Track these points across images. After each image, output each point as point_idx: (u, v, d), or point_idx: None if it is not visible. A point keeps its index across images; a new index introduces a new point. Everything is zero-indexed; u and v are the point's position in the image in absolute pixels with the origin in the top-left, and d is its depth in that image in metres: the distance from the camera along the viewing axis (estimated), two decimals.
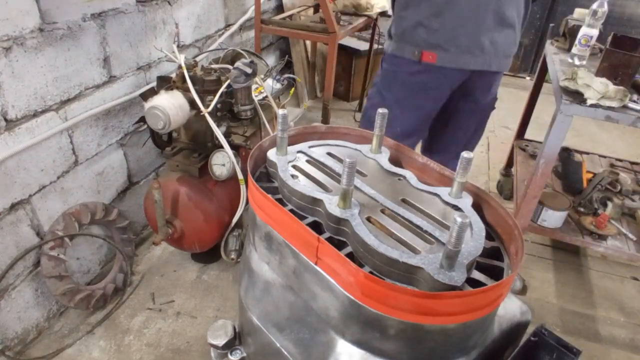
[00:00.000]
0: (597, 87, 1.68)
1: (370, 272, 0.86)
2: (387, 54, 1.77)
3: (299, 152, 1.16)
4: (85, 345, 1.81)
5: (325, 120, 3.02)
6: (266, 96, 2.11)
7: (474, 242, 0.89)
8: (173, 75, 1.86)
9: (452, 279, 0.80)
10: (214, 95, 1.81)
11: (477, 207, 1.04)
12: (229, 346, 1.24)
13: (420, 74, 1.68)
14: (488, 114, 1.88)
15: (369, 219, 0.96)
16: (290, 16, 3.30)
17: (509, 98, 4.44)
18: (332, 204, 0.95)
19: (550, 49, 2.34)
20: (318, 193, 1.00)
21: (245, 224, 2.02)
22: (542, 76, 2.67)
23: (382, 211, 0.99)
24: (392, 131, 1.71)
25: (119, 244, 2.06)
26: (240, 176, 1.88)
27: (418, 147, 2.12)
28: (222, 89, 1.82)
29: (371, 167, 1.15)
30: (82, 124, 1.84)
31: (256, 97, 1.99)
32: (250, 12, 3.06)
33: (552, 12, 4.67)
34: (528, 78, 4.94)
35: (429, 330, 0.84)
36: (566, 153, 2.47)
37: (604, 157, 2.69)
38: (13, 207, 1.62)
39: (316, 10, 3.60)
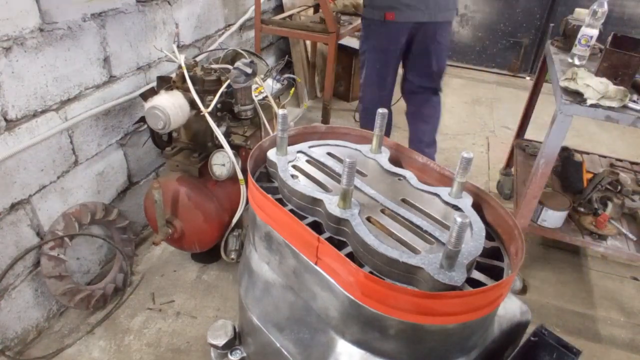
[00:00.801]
0: (597, 87, 1.68)
1: (370, 272, 0.86)
2: (363, 17, 2.45)
3: (299, 152, 1.16)
4: (85, 345, 1.81)
5: (325, 120, 3.02)
6: (266, 96, 2.11)
7: (474, 242, 0.90)
8: (173, 75, 1.86)
9: (452, 279, 0.80)
10: (214, 95, 1.81)
11: (477, 207, 1.04)
12: (229, 346, 1.24)
13: (384, 27, 2.36)
14: (443, 54, 2.52)
15: (369, 219, 0.96)
16: (290, 16, 3.30)
17: (509, 98, 4.44)
18: (332, 204, 0.95)
19: (550, 49, 2.34)
20: (318, 193, 1.00)
21: (245, 224, 2.02)
22: (542, 76, 2.66)
23: (382, 211, 0.99)
24: (368, 72, 2.52)
25: (119, 244, 2.06)
26: (240, 176, 1.88)
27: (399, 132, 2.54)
28: (222, 89, 1.82)
29: (371, 167, 1.15)
30: (82, 124, 1.84)
31: (256, 97, 1.99)
32: (250, 12, 3.06)
33: (552, 12, 4.67)
34: (528, 78, 4.94)
35: (429, 330, 0.84)
36: (566, 153, 2.47)
37: (604, 157, 2.69)
38: (13, 207, 1.62)
39: (316, 10, 3.60)
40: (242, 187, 1.91)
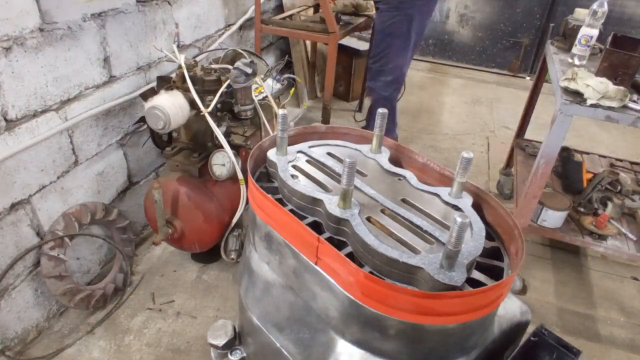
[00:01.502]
0: (597, 87, 1.68)
1: (370, 272, 0.86)
2: (399, 1, 2.55)
3: (299, 152, 1.16)
4: (85, 345, 1.81)
5: (325, 120, 3.02)
6: (266, 96, 2.11)
7: (474, 242, 0.90)
8: (173, 75, 1.86)
9: (452, 279, 0.80)
10: (214, 95, 1.81)
11: (477, 207, 1.04)
12: (229, 346, 1.24)
13: (427, 1, 2.61)
14: None
15: (369, 219, 0.96)
16: (290, 16, 3.30)
17: (509, 98, 4.44)
18: (332, 204, 0.95)
19: (550, 49, 2.34)
20: (318, 193, 1.00)
21: (245, 224, 2.02)
22: (542, 76, 2.66)
23: (382, 211, 0.99)
24: (410, 51, 2.72)
25: (119, 244, 2.06)
26: (240, 176, 1.88)
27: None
28: (222, 89, 1.82)
29: (371, 167, 1.15)
30: (82, 124, 1.84)
31: (256, 97, 1.99)
32: (250, 12, 3.06)
33: (552, 12, 4.67)
34: (528, 78, 4.94)
35: (429, 330, 0.84)
36: (566, 153, 2.47)
37: (604, 157, 2.69)
38: (13, 207, 1.62)
39: (316, 10, 3.60)
40: (242, 187, 1.91)
